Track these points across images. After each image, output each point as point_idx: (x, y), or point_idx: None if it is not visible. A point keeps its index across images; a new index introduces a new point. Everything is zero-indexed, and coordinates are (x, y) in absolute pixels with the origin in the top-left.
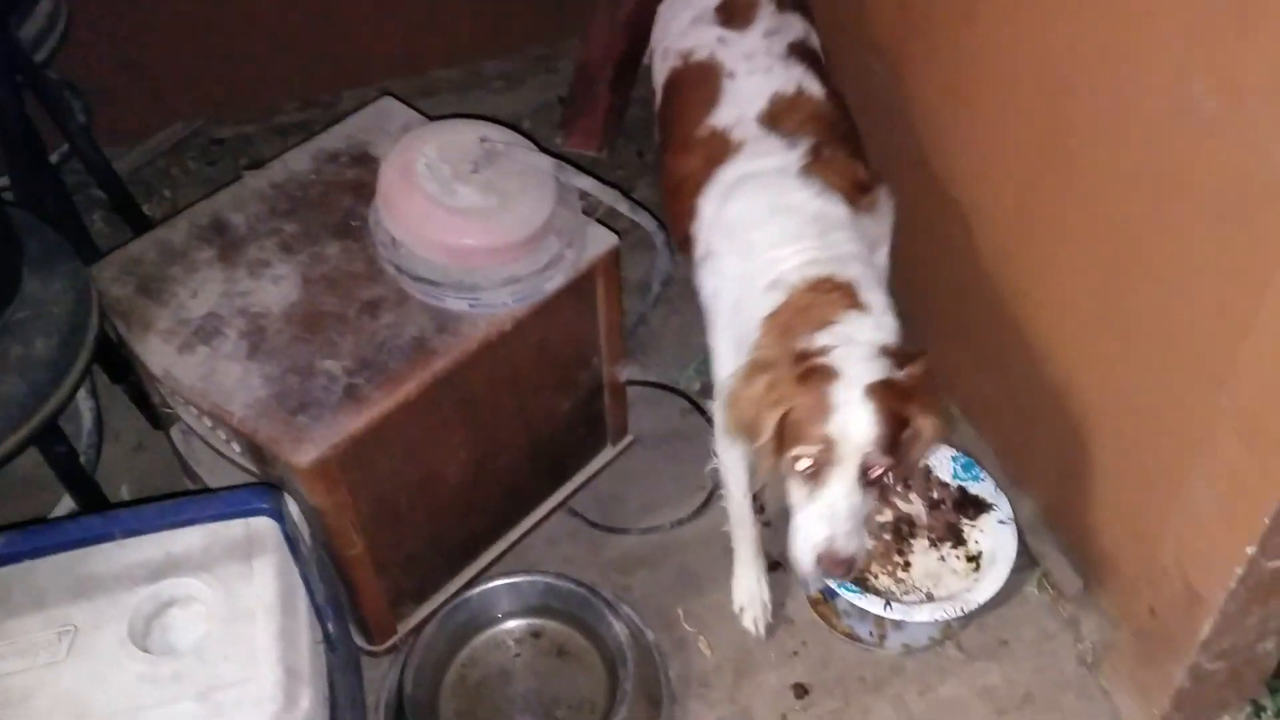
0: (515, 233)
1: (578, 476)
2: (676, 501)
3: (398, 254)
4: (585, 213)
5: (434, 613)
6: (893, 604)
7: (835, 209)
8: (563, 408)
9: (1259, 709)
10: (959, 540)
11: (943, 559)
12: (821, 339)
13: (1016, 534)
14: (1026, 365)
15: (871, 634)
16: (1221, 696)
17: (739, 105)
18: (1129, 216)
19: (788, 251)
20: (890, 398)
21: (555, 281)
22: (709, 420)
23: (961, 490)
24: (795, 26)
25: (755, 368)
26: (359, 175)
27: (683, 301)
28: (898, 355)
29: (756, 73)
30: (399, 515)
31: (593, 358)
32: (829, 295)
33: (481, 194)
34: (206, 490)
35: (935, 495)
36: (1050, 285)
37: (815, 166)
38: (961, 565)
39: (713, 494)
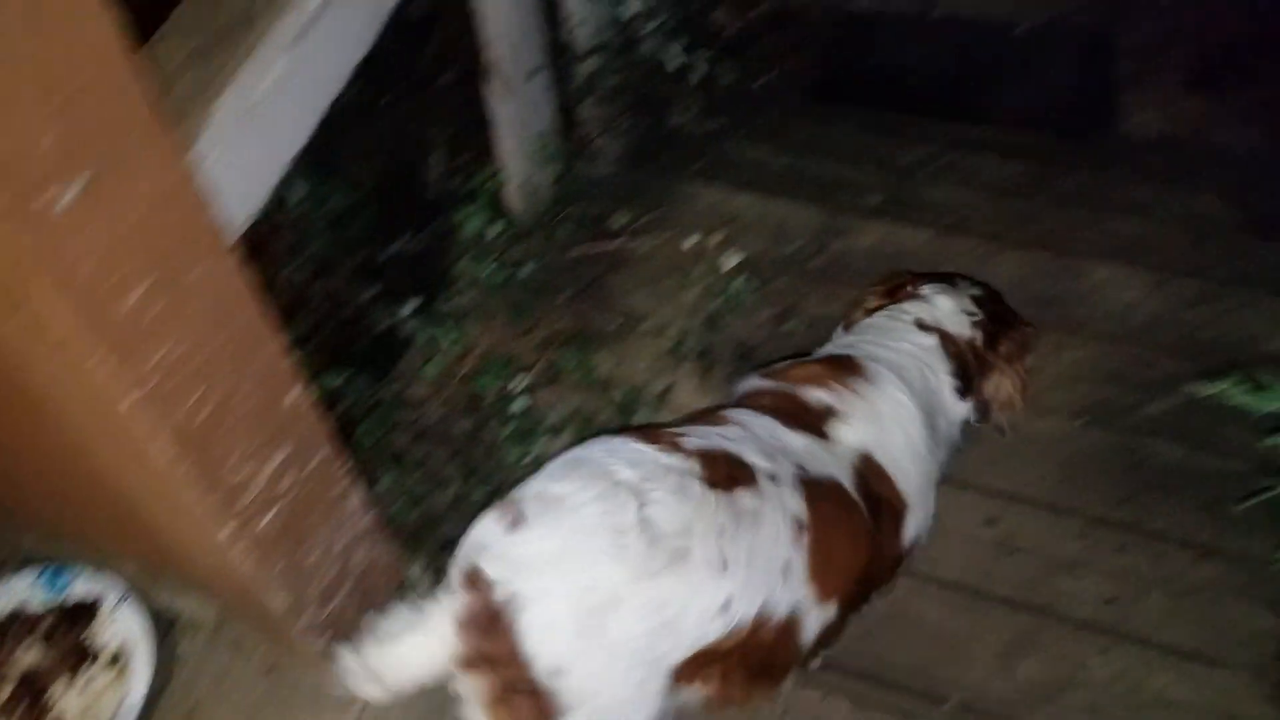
0: None
1: None
2: None
3: None
4: None
5: None
6: None
7: None
8: None
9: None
10: (92, 655)
11: (91, 681)
12: None
13: (138, 602)
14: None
15: None
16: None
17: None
18: None
19: None
20: None
21: None
22: None
23: (61, 608)
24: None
25: None
26: None
27: None
28: None
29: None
30: None
31: None
32: None
33: None
34: None
35: (41, 635)
36: None
37: None
38: (108, 675)
39: None
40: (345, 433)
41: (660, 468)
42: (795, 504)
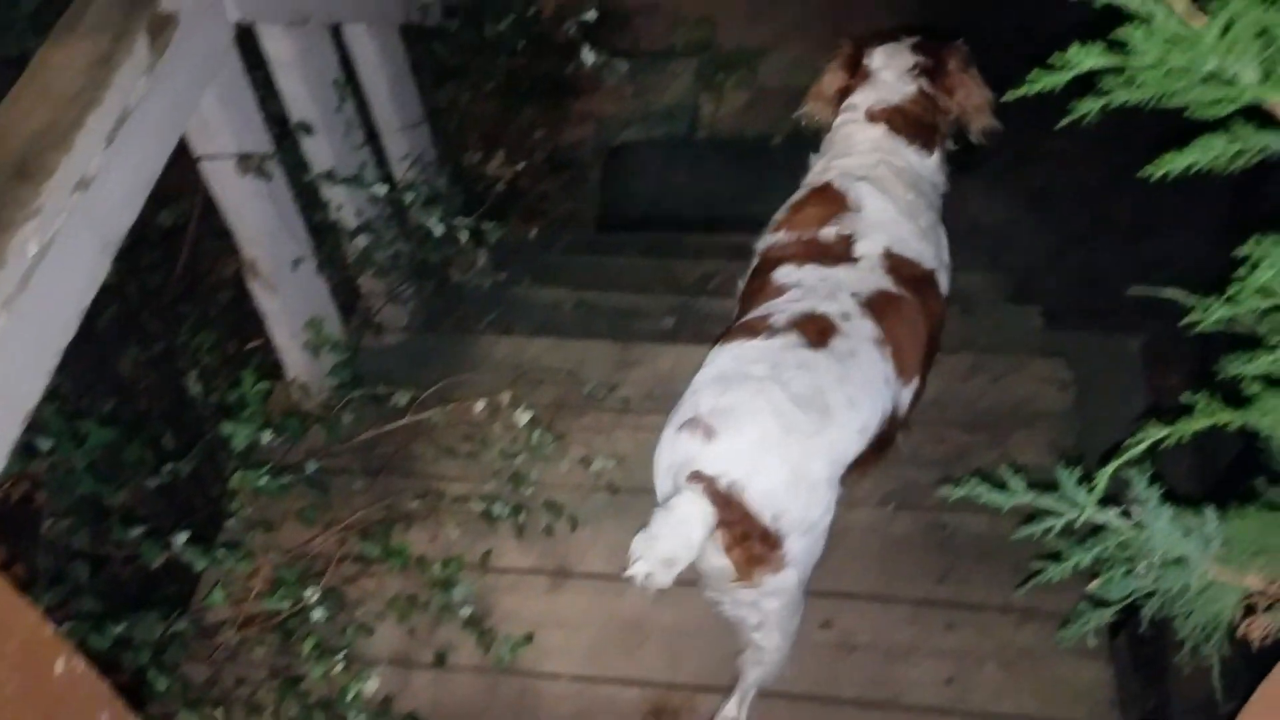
0: None
1: None
2: None
3: None
4: None
5: None
6: None
7: None
8: None
9: None
10: None
11: None
12: None
13: None
14: None
15: None
16: None
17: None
18: None
19: None
20: None
21: None
22: None
23: None
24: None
25: None
26: None
27: None
28: None
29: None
30: None
31: None
32: None
33: None
34: None
35: None
36: None
37: None
38: None
39: None
40: (138, 680)
41: (777, 352)
42: (869, 328)
